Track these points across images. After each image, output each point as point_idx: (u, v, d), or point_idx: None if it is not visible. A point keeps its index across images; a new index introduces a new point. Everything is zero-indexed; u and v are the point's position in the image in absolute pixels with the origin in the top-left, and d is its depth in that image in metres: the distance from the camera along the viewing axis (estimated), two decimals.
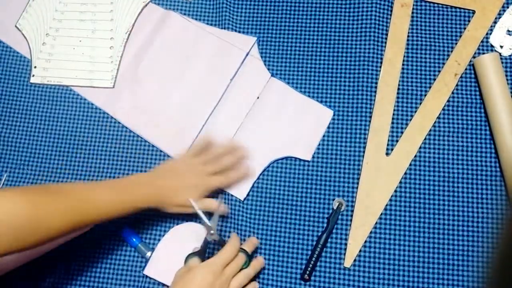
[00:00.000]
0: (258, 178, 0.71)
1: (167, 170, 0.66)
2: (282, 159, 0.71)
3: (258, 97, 0.74)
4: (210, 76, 0.76)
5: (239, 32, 0.77)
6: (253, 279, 0.63)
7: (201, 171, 0.66)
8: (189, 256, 0.62)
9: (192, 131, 0.73)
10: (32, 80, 0.78)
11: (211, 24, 0.78)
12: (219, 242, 0.64)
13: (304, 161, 0.71)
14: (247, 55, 0.76)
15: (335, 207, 0.68)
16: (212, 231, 0.62)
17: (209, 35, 0.77)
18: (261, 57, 0.76)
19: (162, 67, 0.77)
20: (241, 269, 0.61)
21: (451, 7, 0.76)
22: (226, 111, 0.74)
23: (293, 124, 0.73)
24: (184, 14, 0.79)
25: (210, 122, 0.73)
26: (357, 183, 0.69)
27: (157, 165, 0.70)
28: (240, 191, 0.70)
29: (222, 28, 0.77)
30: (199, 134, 0.73)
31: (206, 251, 0.63)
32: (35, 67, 0.79)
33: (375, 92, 0.72)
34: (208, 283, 0.55)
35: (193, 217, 0.69)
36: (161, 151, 0.73)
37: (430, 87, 0.72)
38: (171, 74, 0.76)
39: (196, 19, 0.79)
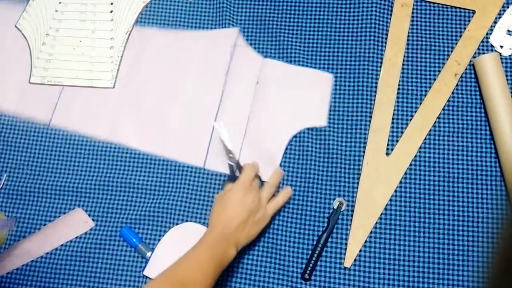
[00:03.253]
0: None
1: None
2: (299, 133, 0.71)
3: (257, 82, 0.74)
4: (205, 78, 0.76)
5: (245, 32, 0.77)
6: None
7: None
8: (224, 182, 0.70)
9: (205, 134, 0.73)
10: (32, 80, 0.78)
11: (213, 24, 0.78)
12: (237, 165, 0.70)
13: (305, 160, 0.71)
14: (234, 47, 0.76)
15: (335, 207, 0.68)
16: (231, 154, 0.69)
17: (189, 39, 0.77)
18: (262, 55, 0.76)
19: (158, 83, 0.76)
20: None
21: (451, 7, 0.76)
22: (231, 105, 0.74)
23: (298, 96, 0.73)
24: (183, 14, 0.79)
25: (218, 121, 0.74)
26: (357, 183, 0.69)
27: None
28: (265, 174, 0.70)
29: (222, 27, 0.77)
30: (212, 135, 0.73)
31: (235, 175, 0.69)
32: (35, 67, 0.79)
33: (375, 92, 0.72)
34: (241, 198, 0.63)
35: (193, 217, 0.70)
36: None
37: (430, 87, 0.72)
38: (167, 88, 0.76)
39: (195, 19, 0.79)
